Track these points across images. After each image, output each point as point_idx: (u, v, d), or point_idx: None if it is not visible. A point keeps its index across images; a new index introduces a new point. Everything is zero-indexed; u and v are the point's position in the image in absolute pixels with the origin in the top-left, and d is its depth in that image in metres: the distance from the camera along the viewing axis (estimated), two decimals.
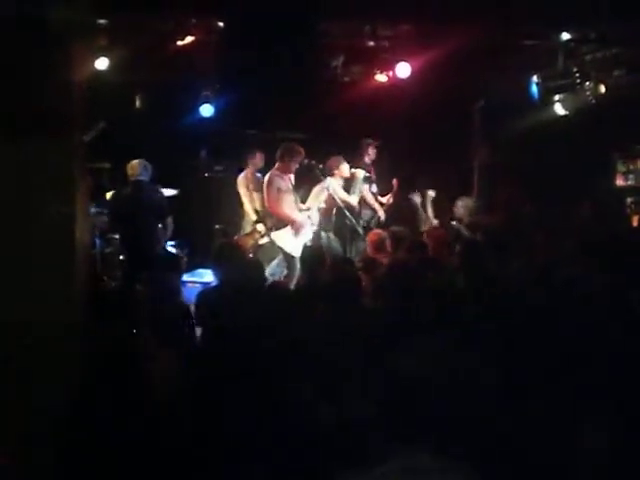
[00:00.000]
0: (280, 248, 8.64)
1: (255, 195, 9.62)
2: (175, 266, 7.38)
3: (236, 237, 9.61)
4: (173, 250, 9.12)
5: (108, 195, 9.17)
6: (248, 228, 9.61)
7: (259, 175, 9.63)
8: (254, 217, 9.51)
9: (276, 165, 8.82)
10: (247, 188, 9.71)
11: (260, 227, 9.29)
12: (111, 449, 3.34)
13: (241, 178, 9.81)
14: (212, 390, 3.78)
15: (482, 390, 3.45)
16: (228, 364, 3.90)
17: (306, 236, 8.67)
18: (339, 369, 3.95)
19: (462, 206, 8.75)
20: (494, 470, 2.91)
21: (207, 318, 5.27)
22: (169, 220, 8.58)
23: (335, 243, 9.16)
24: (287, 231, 8.65)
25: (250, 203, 9.66)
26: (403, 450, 2.55)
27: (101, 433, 3.40)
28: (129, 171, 8.50)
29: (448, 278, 5.48)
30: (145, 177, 8.46)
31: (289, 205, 8.77)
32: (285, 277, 8.44)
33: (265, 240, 9.15)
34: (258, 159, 9.83)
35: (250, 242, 9.17)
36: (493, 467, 2.91)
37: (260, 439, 3.55)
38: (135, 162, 8.50)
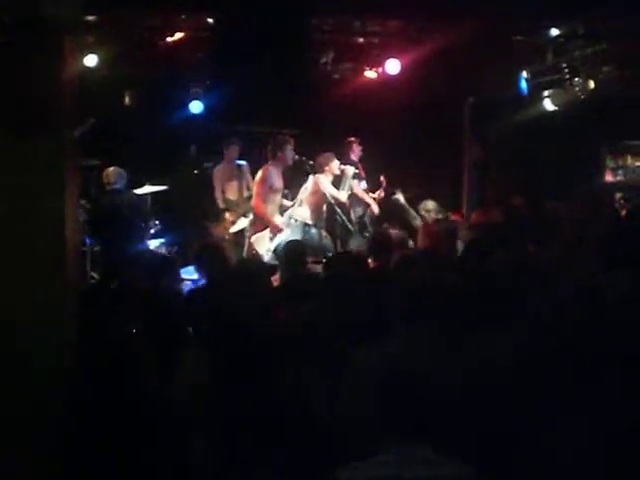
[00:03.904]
0: (256, 251, 8.62)
1: (228, 185, 9.72)
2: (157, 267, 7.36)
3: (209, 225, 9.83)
4: (159, 249, 9.09)
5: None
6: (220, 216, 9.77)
7: (241, 163, 9.72)
8: (222, 205, 9.66)
9: (269, 161, 8.81)
10: (220, 179, 9.84)
11: (227, 215, 9.43)
12: (106, 443, 3.34)
13: (216, 170, 9.95)
14: (207, 389, 3.78)
15: (473, 387, 3.47)
16: (221, 362, 3.89)
17: (280, 239, 8.57)
18: (334, 363, 3.95)
19: (424, 209, 8.84)
20: (489, 466, 2.93)
21: (197, 318, 5.26)
22: (152, 222, 8.65)
23: (326, 239, 9.17)
24: (266, 234, 8.64)
25: (220, 193, 9.83)
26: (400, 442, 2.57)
27: (94, 428, 3.40)
28: (104, 179, 8.55)
29: (438, 274, 5.44)
30: (120, 185, 8.52)
31: (274, 206, 8.77)
32: None
33: (236, 228, 9.20)
34: (232, 150, 9.88)
35: (221, 230, 9.29)
36: (487, 464, 2.92)
37: (258, 437, 3.56)
38: (110, 170, 8.54)
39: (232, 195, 9.75)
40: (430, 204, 8.89)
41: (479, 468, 2.68)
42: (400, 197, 9.51)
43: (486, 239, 6.50)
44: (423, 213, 8.84)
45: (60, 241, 3.90)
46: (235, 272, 5.63)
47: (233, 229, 9.37)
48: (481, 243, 6.38)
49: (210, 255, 6.00)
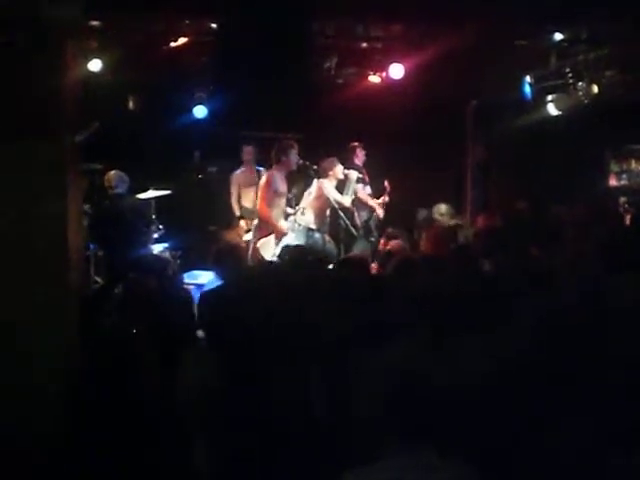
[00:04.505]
0: (261, 256, 8.61)
1: (245, 191, 9.74)
2: (157, 269, 7.37)
3: (220, 232, 9.85)
4: (163, 254, 9.09)
5: None
6: (234, 223, 9.80)
7: (258, 168, 9.73)
8: (237, 213, 9.66)
9: (274, 166, 8.79)
10: (237, 185, 9.86)
11: (242, 223, 9.46)
12: (107, 443, 3.34)
13: (234, 175, 9.94)
14: (209, 389, 3.78)
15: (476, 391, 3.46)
16: (228, 363, 3.90)
17: (284, 244, 8.56)
18: (343, 367, 3.95)
19: (437, 213, 8.87)
20: (492, 469, 2.92)
21: (211, 320, 5.25)
22: (153, 227, 8.67)
23: (330, 244, 9.16)
24: (271, 239, 8.64)
25: (236, 200, 9.83)
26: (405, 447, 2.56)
27: (96, 428, 3.40)
28: (106, 183, 8.53)
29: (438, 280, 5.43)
30: (122, 189, 8.50)
31: (279, 210, 8.76)
32: None
33: (249, 236, 9.23)
34: (246, 153, 9.92)
35: (234, 237, 9.31)
36: (491, 467, 2.92)
37: (260, 439, 3.56)
38: (111, 174, 8.51)
39: (248, 202, 9.74)
40: (443, 208, 8.92)
41: (483, 472, 2.67)
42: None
43: (486, 243, 6.51)
44: (437, 216, 8.86)
45: (61, 243, 3.91)
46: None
47: (246, 237, 9.36)
48: (478, 246, 6.41)
49: (228, 257, 6.00)
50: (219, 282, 6.05)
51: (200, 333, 5.14)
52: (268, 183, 8.62)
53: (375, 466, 2.59)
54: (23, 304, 3.72)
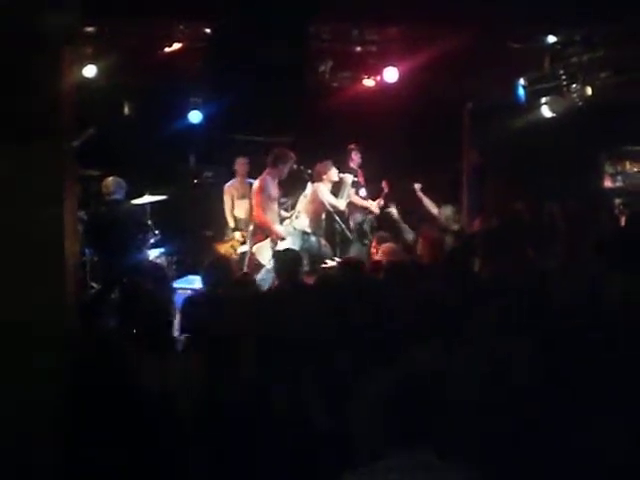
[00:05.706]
0: (258, 261, 8.62)
1: (238, 202, 9.76)
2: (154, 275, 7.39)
3: (214, 243, 9.90)
4: (158, 260, 9.09)
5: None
6: (228, 235, 9.83)
7: (250, 181, 9.72)
8: (232, 225, 9.68)
9: (267, 170, 8.82)
10: (231, 196, 9.89)
11: (237, 235, 9.46)
12: (105, 447, 3.35)
13: (227, 186, 9.99)
14: (203, 393, 3.79)
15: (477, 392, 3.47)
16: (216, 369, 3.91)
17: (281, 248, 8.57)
18: (333, 371, 3.96)
19: (443, 215, 8.90)
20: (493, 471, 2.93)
21: (193, 325, 5.26)
22: (149, 232, 8.70)
23: (325, 247, 9.18)
24: (267, 243, 8.65)
25: (230, 211, 9.83)
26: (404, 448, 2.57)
27: (94, 429, 3.41)
28: (103, 189, 8.54)
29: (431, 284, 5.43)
30: (120, 195, 8.52)
31: (273, 214, 8.78)
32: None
33: (244, 248, 9.21)
34: (239, 166, 9.97)
35: (227, 249, 9.31)
36: (492, 469, 2.93)
37: (255, 444, 3.56)
38: (109, 180, 8.53)
39: (242, 213, 9.77)
40: (449, 210, 8.95)
41: (483, 473, 2.68)
42: (394, 211, 9.58)
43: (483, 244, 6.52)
44: (443, 219, 8.88)
45: (59, 251, 3.92)
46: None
47: (241, 249, 9.36)
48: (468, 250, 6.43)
49: (218, 270, 6.01)
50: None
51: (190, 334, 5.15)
52: (261, 188, 8.66)
53: (375, 467, 2.59)
54: (19, 311, 3.73)
